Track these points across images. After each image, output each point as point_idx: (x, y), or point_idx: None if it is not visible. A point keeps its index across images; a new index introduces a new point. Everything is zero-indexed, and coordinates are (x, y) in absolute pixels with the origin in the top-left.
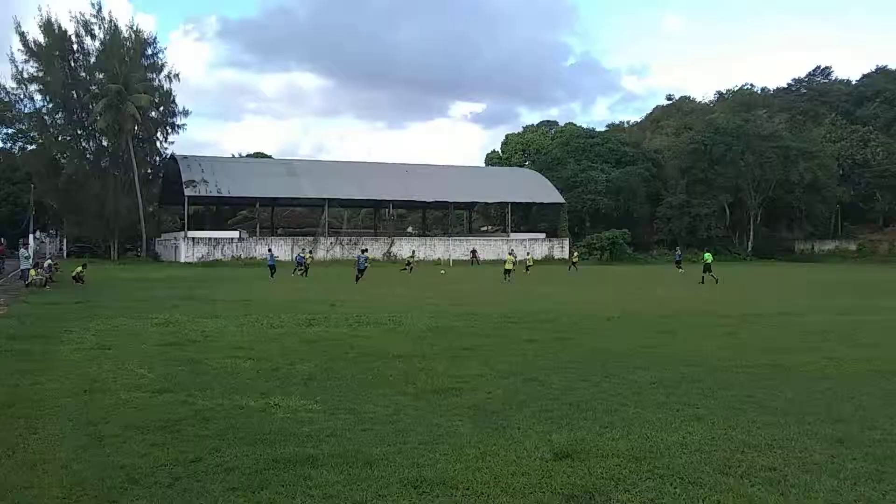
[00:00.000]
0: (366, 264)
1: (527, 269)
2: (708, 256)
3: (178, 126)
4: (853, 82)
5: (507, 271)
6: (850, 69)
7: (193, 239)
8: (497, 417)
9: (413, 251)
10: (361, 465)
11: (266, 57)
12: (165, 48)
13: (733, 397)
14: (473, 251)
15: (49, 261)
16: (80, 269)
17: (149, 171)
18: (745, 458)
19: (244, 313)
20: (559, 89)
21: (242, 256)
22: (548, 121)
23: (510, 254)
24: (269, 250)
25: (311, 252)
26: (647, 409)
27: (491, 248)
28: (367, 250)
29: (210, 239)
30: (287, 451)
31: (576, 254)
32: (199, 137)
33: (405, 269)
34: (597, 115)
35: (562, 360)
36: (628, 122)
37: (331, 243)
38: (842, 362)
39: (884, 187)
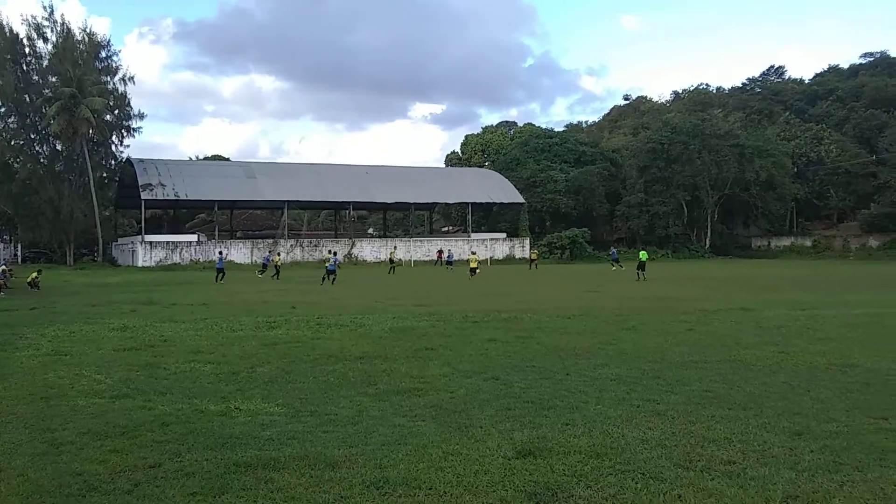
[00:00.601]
0: (335, 266)
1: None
2: (643, 255)
3: (134, 129)
4: (806, 81)
5: (473, 270)
6: (802, 69)
7: (151, 243)
8: (459, 417)
9: (395, 247)
10: (323, 468)
11: (224, 59)
12: (120, 51)
13: (693, 392)
14: (440, 251)
15: (3, 267)
16: (34, 274)
17: (104, 174)
18: (705, 452)
19: (203, 317)
20: (518, 90)
21: (201, 260)
22: (507, 121)
23: (472, 253)
24: (220, 253)
25: (279, 253)
26: (609, 406)
27: (453, 249)
28: (336, 252)
29: (168, 243)
30: (248, 454)
31: (535, 253)
32: (156, 140)
33: (391, 268)
34: (556, 116)
35: (523, 359)
36: (586, 122)
37: (291, 245)
38: (798, 356)
39: (837, 184)
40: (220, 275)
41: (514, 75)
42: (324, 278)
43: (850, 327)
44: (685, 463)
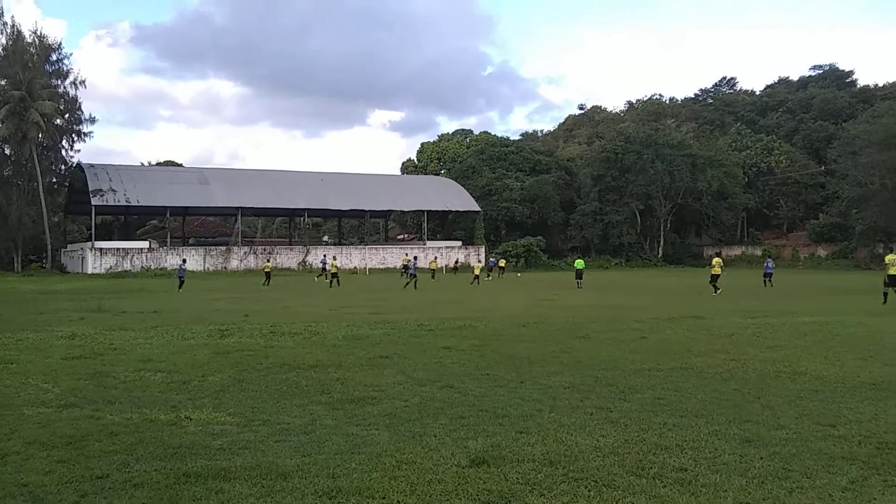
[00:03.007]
0: (415, 270)
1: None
2: (579, 263)
3: (85, 134)
4: (757, 93)
5: (476, 277)
6: (754, 80)
7: (101, 249)
8: (413, 426)
9: (406, 254)
10: (276, 477)
11: (181, 64)
12: (71, 54)
13: (645, 400)
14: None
15: None
16: None
17: (54, 180)
18: (657, 459)
19: (154, 325)
20: (478, 98)
21: (153, 267)
22: (463, 129)
23: (479, 262)
24: (184, 261)
25: (334, 257)
26: (562, 414)
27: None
28: (416, 257)
29: (118, 249)
30: (198, 464)
31: (503, 260)
32: (110, 146)
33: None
34: (515, 124)
35: (478, 367)
36: (542, 132)
37: (244, 253)
38: (749, 364)
39: (787, 194)
40: (181, 284)
41: (474, 83)
42: (406, 283)
43: (799, 335)
44: (637, 470)
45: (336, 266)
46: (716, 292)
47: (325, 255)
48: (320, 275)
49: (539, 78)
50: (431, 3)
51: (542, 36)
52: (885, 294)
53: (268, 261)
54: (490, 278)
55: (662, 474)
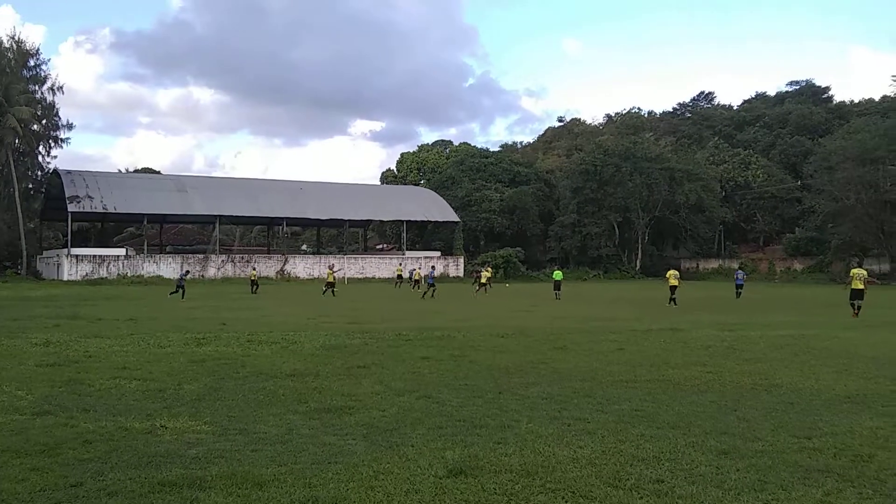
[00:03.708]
0: (433, 280)
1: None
2: (558, 274)
3: (62, 140)
4: (735, 107)
5: (483, 285)
6: (731, 95)
7: (77, 256)
8: (391, 435)
9: (400, 264)
10: (251, 487)
11: (162, 70)
12: (49, 59)
13: (623, 411)
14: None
15: None
16: None
17: (30, 185)
18: (634, 470)
19: (130, 332)
20: (459, 109)
21: (129, 274)
22: (443, 140)
23: (487, 269)
24: (187, 272)
25: (254, 268)
26: (540, 424)
27: (386, 266)
28: (433, 267)
29: (95, 256)
30: (173, 473)
31: (488, 270)
32: (88, 152)
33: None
34: (496, 136)
35: (456, 377)
36: (522, 143)
37: (222, 261)
38: (725, 376)
39: (763, 208)
40: (178, 291)
41: (455, 94)
42: (424, 293)
43: (775, 348)
44: (615, 481)
45: (333, 276)
46: (671, 303)
47: (332, 265)
48: (325, 290)
49: (520, 90)
50: (414, 13)
51: (524, 48)
52: (856, 307)
53: (254, 269)
54: (480, 290)
55: (639, 485)
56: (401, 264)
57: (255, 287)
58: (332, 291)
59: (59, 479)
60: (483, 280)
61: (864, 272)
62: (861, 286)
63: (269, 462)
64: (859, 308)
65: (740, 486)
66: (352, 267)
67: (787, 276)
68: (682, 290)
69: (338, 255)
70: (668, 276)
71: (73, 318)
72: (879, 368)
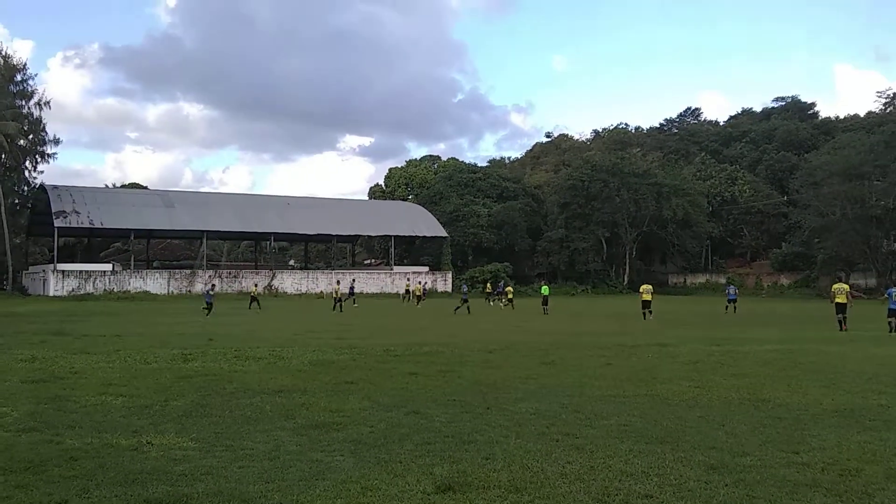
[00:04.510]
0: (467, 296)
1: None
2: (545, 289)
3: (49, 155)
4: (721, 123)
5: (510, 300)
6: (718, 111)
7: (63, 272)
8: (379, 451)
9: (409, 279)
10: (238, 503)
11: (150, 86)
12: (36, 75)
13: (611, 426)
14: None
15: None
16: None
17: (16, 201)
18: (622, 486)
19: (116, 349)
20: (448, 124)
21: (116, 290)
22: (431, 155)
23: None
24: (213, 286)
25: (255, 284)
26: (528, 440)
27: (374, 282)
28: (339, 281)
29: (81, 272)
30: (159, 490)
31: (510, 290)
32: (76, 167)
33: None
34: (484, 151)
35: (444, 393)
36: (509, 158)
37: (209, 276)
38: (713, 391)
39: (750, 223)
40: (208, 308)
41: (444, 110)
42: (457, 308)
43: (763, 363)
44: (603, 497)
45: (340, 291)
46: (646, 317)
47: (353, 280)
48: (337, 301)
49: (509, 105)
50: (404, 29)
51: (512, 64)
52: (840, 322)
53: (255, 285)
54: (501, 305)
55: (628, 501)
56: (408, 280)
57: (253, 303)
58: (341, 306)
59: (45, 497)
60: (510, 296)
61: (847, 286)
62: (844, 300)
63: (256, 479)
64: (843, 321)
65: (728, 500)
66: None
67: (774, 291)
68: (671, 306)
69: (326, 270)
70: (641, 290)
71: (59, 333)
72: (866, 383)
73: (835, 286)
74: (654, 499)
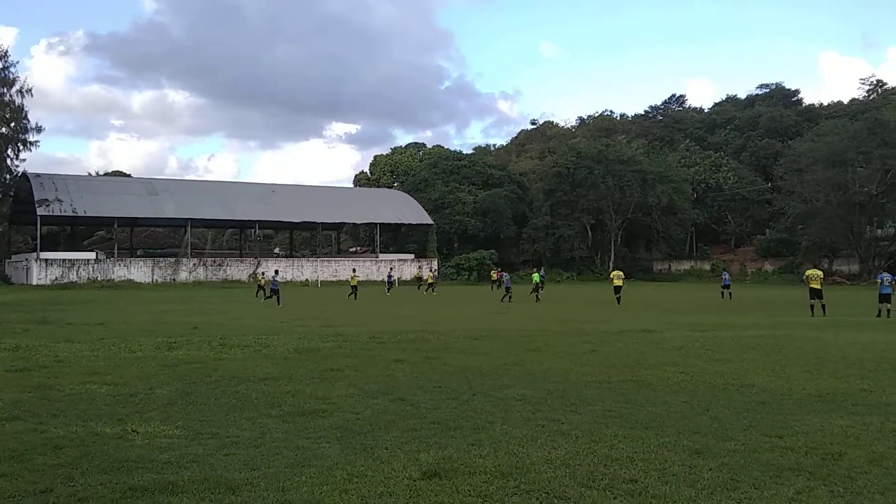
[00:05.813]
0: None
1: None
2: (536, 277)
3: (31, 143)
4: (706, 110)
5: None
6: (702, 98)
7: (47, 260)
8: (365, 438)
9: (420, 267)
10: (224, 491)
11: (136, 73)
12: (18, 62)
13: (596, 412)
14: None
15: None
16: None
17: None
18: (607, 471)
19: (100, 337)
20: (435, 112)
21: (100, 278)
22: (416, 142)
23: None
24: (276, 272)
25: (263, 272)
26: (514, 426)
27: (360, 270)
28: (355, 269)
29: (64, 260)
30: (145, 478)
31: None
32: (60, 155)
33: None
34: (471, 138)
35: (430, 380)
36: (495, 146)
37: (194, 265)
38: (698, 377)
39: (734, 210)
40: (274, 296)
41: (431, 97)
42: (504, 297)
43: (747, 348)
44: (588, 482)
45: (357, 279)
46: (619, 303)
47: (391, 268)
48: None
49: (496, 93)
50: (391, 16)
51: (499, 51)
52: (812, 307)
53: (262, 273)
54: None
55: (613, 486)
56: (420, 268)
57: (259, 291)
58: (356, 295)
59: (29, 485)
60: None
61: (820, 272)
62: (818, 286)
63: (242, 466)
64: (823, 307)
65: (713, 485)
66: (325, 269)
67: (758, 277)
68: (656, 293)
69: (311, 258)
70: (612, 276)
71: (43, 322)
72: (849, 368)
73: (809, 272)
74: (639, 483)
